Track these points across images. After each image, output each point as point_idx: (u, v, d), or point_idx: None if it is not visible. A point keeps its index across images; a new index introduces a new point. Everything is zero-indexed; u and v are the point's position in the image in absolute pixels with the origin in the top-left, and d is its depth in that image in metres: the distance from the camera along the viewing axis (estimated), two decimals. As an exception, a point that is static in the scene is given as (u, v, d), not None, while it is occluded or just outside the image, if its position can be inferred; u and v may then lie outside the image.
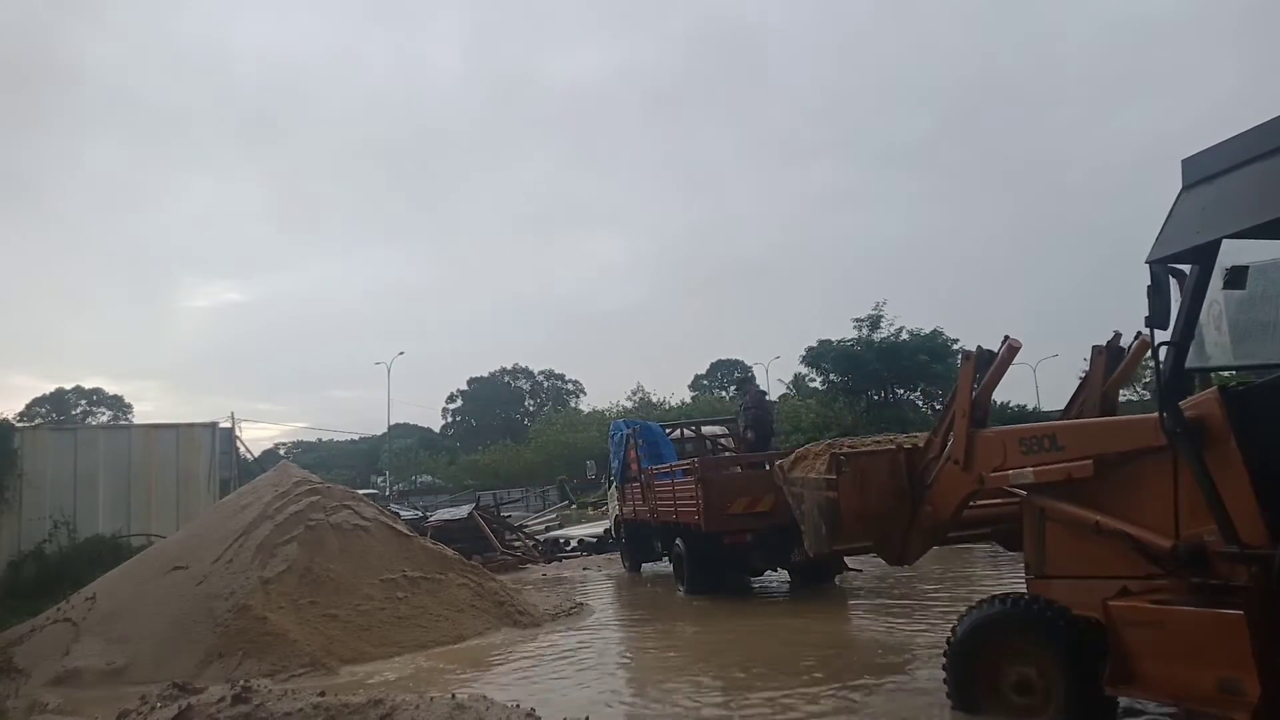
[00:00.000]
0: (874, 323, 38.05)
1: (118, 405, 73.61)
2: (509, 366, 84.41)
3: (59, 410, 70.98)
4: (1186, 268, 4.03)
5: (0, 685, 8.16)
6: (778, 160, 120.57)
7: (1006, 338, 5.66)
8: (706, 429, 16.58)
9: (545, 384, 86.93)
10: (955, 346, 36.46)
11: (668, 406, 54.33)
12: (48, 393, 73.81)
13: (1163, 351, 3.99)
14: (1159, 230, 4.04)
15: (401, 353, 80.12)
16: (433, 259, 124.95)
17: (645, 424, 15.88)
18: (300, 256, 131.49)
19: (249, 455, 28.04)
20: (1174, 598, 4.21)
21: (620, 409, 54.13)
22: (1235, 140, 3.78)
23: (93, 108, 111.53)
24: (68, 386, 75.52)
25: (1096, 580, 4.63)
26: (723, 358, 77.88)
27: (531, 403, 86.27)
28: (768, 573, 12.39)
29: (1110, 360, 5.90)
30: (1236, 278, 3.99)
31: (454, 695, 4.97)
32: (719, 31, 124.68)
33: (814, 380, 42.84)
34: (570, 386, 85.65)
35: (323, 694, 5.16)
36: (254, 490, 11.49)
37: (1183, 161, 4.01)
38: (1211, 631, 3.86)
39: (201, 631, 8.61)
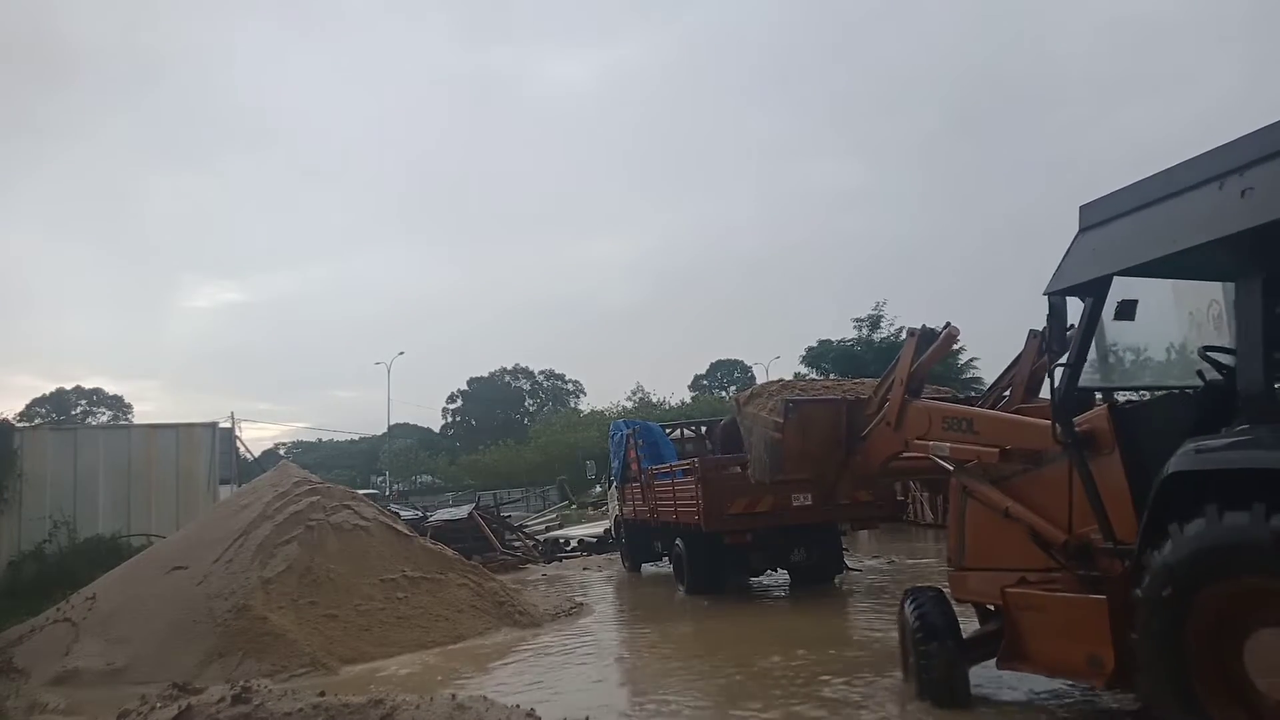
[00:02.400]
0: (874, 323, 37.97)
1: (118, 405, 73.61)
2: (509, 366, 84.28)
3: (59, 410, 70.89)
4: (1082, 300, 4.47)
5: (0, 685, 8.15)
6: (778, 160, 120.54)
7: (948, 324, 6.23)
8: (706, 429, 16.57)
9: (545, 384, 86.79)
10: (956, 347, 36.43)
11: (668, 406, 54.10)
12: (48, 393, 73.81)
13: (1059, 372, 4.49)
14: (1056, 266, 4.52)
15: (401, 353, 79.54)
16: (433, 259, 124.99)
17: (645, 424, 15.87)
18: (300, 256, 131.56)
19: (249, 455, 28.09)
20: (1061, 587, 4.80)
21: (620, 409, 53.90)
22: (1126, 190, 4.27)
23: (92, 107, 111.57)
24: (68, 386, 75.57)
25: (1003, 572, 5.24)
26: (723, 358, 77.80)
27: (531, 403, 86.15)
28: (768, 573, 12.40)
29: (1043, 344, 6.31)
30: (1126, 310, 4.42)
31: (454, 695, 4.98)
32: (719, 31, 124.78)
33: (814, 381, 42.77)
34: (570, 386, 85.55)
35: (323, 694, 5.15)
36: (254, 490, 11.49)
37: (1080, 207, 4.50)
38: (1082, 614, 4.51)
39: (201, 631, 8.61)
